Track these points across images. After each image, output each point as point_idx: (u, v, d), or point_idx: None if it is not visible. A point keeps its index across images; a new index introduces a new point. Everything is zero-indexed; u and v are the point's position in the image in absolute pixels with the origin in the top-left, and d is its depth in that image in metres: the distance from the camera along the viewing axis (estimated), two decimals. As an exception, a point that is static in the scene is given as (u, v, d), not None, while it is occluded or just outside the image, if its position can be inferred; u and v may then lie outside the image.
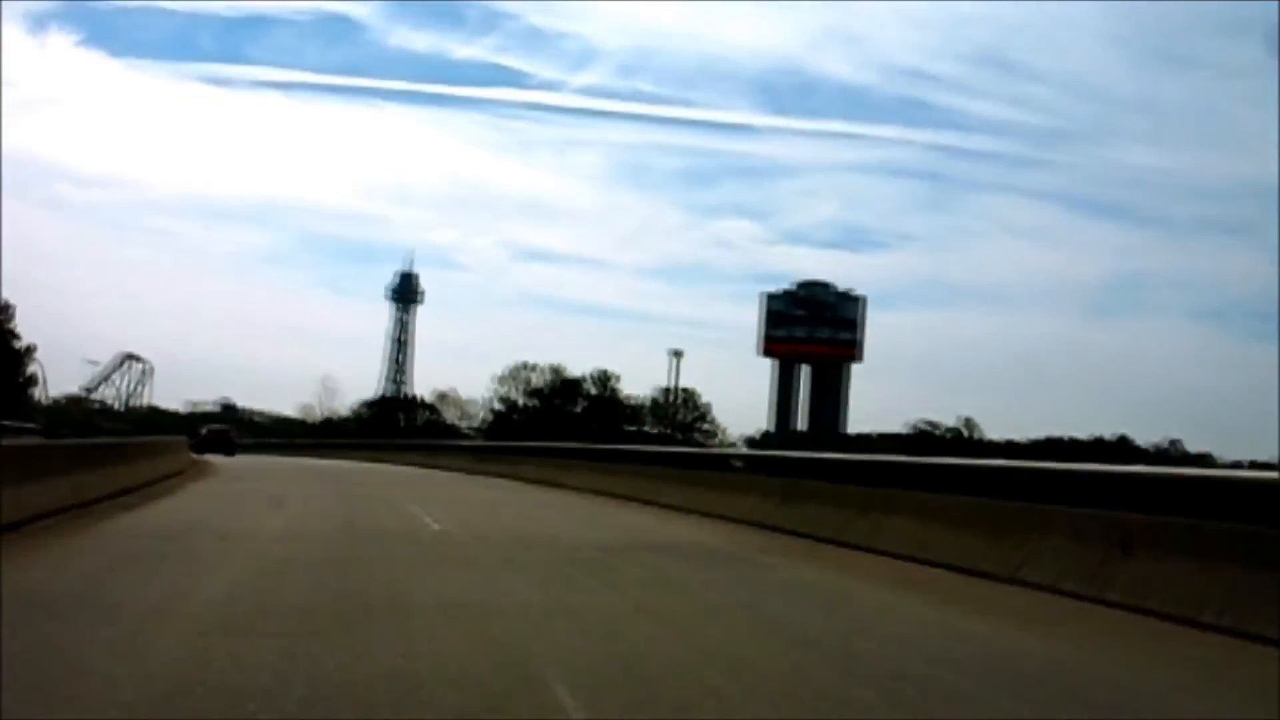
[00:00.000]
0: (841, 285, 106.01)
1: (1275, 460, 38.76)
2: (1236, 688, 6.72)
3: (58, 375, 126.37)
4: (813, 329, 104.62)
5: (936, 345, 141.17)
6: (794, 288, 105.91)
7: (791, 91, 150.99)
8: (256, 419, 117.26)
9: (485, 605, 8.43)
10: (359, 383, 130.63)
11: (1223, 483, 10.62)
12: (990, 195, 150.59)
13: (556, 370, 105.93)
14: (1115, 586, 9.24)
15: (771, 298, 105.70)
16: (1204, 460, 70.86)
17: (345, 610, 7.78)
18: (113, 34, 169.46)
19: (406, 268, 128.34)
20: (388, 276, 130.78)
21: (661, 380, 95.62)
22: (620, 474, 27.42)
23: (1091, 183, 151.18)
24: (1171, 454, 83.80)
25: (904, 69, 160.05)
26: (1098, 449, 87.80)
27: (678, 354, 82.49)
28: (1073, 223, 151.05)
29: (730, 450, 62.65)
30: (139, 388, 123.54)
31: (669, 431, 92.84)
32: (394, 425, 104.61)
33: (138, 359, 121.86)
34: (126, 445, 23.79)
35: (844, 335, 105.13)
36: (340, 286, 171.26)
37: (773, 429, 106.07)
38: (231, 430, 65.85)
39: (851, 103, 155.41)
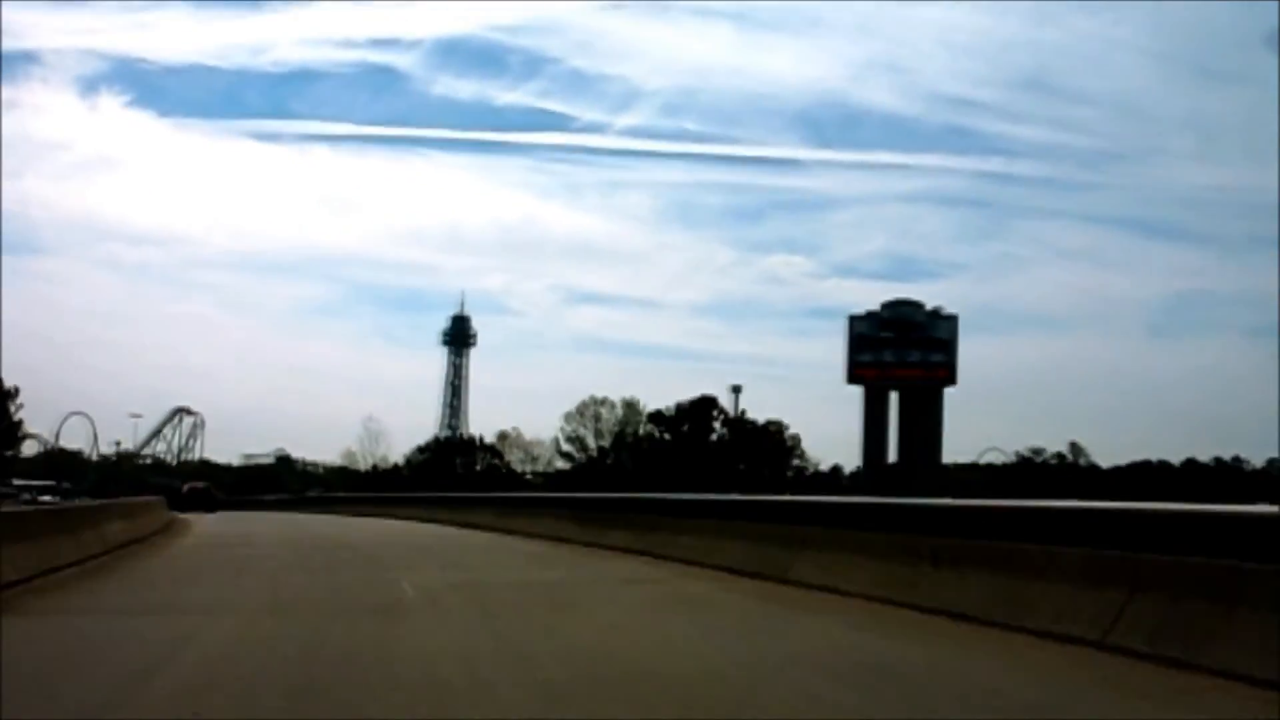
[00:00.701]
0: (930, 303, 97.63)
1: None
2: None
3: (112, 432, 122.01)
4: (902, 352, 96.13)
5: (991, 373, 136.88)
6: (879, 308, 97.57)
7: (837, 124, 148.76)
8: (309, 469, 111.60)
9: None
10: (413, 432, 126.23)
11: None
12: (1040, 220, 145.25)
13: (631, 405, 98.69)
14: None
15: (855, 320, 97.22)
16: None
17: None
18: (161, 94, 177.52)
19: (459, 311, 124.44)
20: (439, 324, 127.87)
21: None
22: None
23: (1142, 203, 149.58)
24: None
25: (949, 97, 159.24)
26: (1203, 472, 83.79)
27: (737, 389, 76.81)
28: (1125, 244, 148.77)
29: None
30: (191, 441, 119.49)
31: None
32: (450, 472, 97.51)
33: (190, 412, 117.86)
34: (71, 510, 20.28)
35: (936, 357, 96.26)
36: (392, 335, 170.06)
37: (862, 463, 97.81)
38: (212, 488, 67.44)
39: (897, 133, 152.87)
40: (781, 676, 7.58)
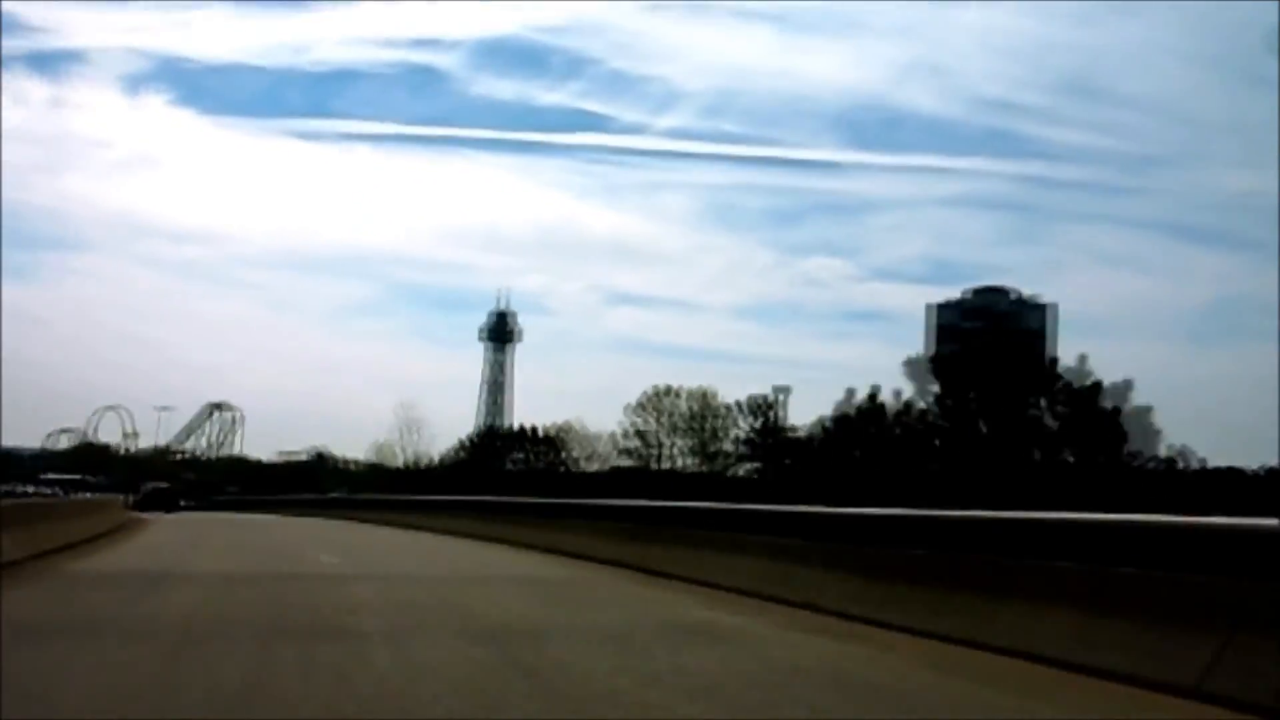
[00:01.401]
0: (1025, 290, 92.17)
1: None
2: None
3: (150, 428, 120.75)
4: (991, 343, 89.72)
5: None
6: (967, 295, 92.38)
7: (877, 126, 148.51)
8: (345, 468, 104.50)
9: None
10: (452, 434, 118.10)
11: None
12: (1081, 225, 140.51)
13: (706, 395, 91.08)
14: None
15: (941, 309, 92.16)
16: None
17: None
18: (203, 93, 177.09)
19: (500, 308, 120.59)
20: (479, 323, 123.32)
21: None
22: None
23: (1185, 208, 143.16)
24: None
25: (990, 100, 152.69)
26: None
27: (781, 390, 77.91)
28: (1167, 249, 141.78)
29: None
30: (228, 437, 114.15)
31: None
32: (496, 470, 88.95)
33: (227, 408, 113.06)
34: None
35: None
36: (432, 334, 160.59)
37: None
38: (175, 487, 66.74)
39: (938, 136, 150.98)
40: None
